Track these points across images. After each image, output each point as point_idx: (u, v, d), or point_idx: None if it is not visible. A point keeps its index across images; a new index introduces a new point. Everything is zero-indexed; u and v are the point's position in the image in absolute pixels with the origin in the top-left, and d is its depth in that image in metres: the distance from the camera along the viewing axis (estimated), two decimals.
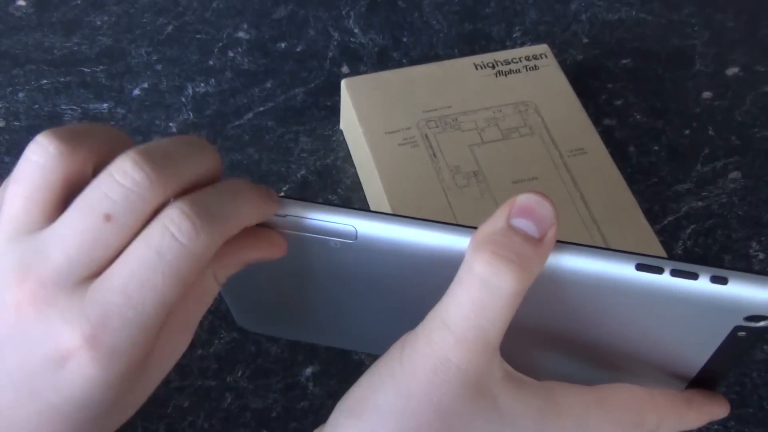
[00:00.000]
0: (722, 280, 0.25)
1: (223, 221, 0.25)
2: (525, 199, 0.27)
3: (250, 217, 0.27)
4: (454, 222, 0.28)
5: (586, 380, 0.34)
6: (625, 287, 0.26)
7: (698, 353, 0.30)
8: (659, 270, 0.26)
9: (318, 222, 0.28)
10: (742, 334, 0.27)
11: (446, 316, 0.26)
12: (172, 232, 0.24)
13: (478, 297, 0.26)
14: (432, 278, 0.28)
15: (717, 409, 0.32)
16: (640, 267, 0.26)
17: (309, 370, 0.45)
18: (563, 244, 0.27)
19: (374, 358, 0.46)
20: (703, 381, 0.31)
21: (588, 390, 0.29)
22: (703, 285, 0.26)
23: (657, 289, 0.26)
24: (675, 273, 0.26)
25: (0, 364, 0.25)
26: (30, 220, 0.25)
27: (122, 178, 0.24)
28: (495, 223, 0.27)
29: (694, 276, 0.26)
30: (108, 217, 0.24)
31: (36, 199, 0.25)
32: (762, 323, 0.26)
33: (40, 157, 0.25)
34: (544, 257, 0.26)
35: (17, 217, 0.25)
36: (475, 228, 0.27)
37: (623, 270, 0.26)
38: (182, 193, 0.26)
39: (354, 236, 0.28)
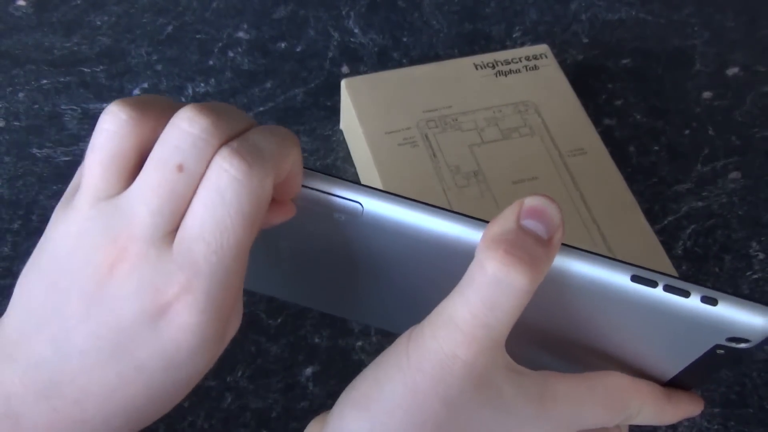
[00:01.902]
0: (712, 301, 0.26)
1: (273, 159, 0.26)
2: (534, 200, 0.27)
3: (296, 163, 0.27)
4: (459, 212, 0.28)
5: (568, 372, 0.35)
6: (619, 296, 0.27)
7: (675, 362, 0.31)
8: (653, 284, 0.27)
9: (325, 194, 0.28)
10: (720, 351, 0.28)
11: (454, 312, 0.27)
12: (226, 170, 0.25)
13: (488, 295, 0.26)
14: (434, 263, 0.28)
15: (692, 407, 0.33)
16: (635, 278, 0.27)
17: (309, 370, 0.45)
18: (565, 247, 0.27)
19: (374, 356, 0.46)
20: (675, 386, 0.32)
21: (579, 378, 0.30)
22: (693, 303, 0.27)
23: (649, 301, 0.27)
24: (668, 288, 0.27)
25: (85, 326, 0.26)
26: (108, 186, 0.26)
27: (189, 126, 0.25)
28: (505, 222, 0.27)
29: (686, 294, 0.27)
30: (180, 167, 0.25)
31: (112, 166, 0.26)
32: (742, 345, 0.27)
33: (113, 125, 0.26)
34: (552, 258, 0.27)
35: (96, 184, 0.26)
36: (479, 219, 0.28)
37: (619, 279, 0.27)
38: (238, 134, 0.26)
39: (360, 213, 0.28)
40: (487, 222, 0.28)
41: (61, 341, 0.26)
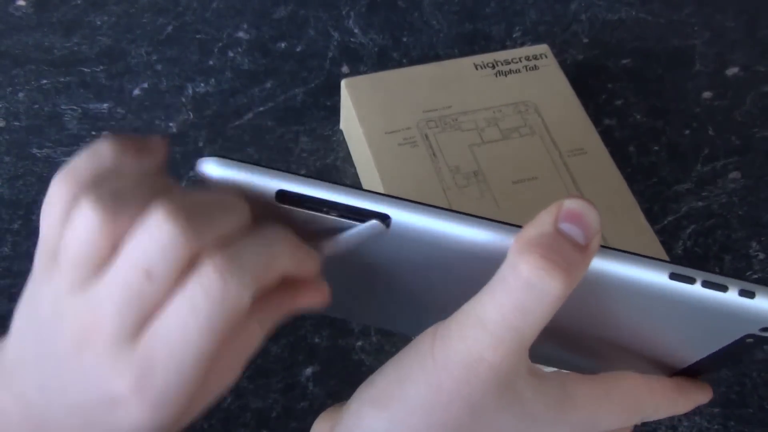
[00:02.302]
0: (750, 294, 0.27)
1: (256, 274, 0.25)
2: (573, 204, 0.27)
3: (287, 268, 0.27)
4: (484, 216, 0.28)
5: (583, 365, 0.35)
6: (656, 293, 0.27)
7: (700, 349, 0.31)
8: (692, 280, 0.27)
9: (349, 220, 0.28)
10: (750, 340, 0.28)
11: (484, 314, 0.26)
12: (204, 288, 0.25)
13: (520, 299, 0.25)
14: (460, 267, 0.28)
15: (702, 396, 0.33)
16: (673, 276, 0.27)
17: (309, 370, 0.45)
18: (602, 248, 0.27)
19: (374, 356, 0.46)
20: (691, 370, 0.33)
21: (596, 381, 0.30)
22: (731, 297, 0.27)
23: (687, 298, 0.27)
24: (706, 284, 0.27)
25: (64, 397, 0.27)
26: (83, 277, 0.26)
27: (158, 232, 0.25)
28: (542, 225, 0.26)
29: (724, 288, 0.27)
30: (148, 274, 0.25)
31: (87, 263, 0.26)
32: None
33: (85, 228, 0.25)
34: (588, 264, 0.26)
35: (71, 274, 0.26)
36: (510, 225, 0.27)
37: (657, 278, 0.27)
38: (218, 240, 0.26)
39: (387, 225, 0.28)
40: (515, 226, 0.27)
41: (47, 392, 0.27)
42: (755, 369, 0.47)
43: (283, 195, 0.27)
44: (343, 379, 0.45)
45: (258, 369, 0.45)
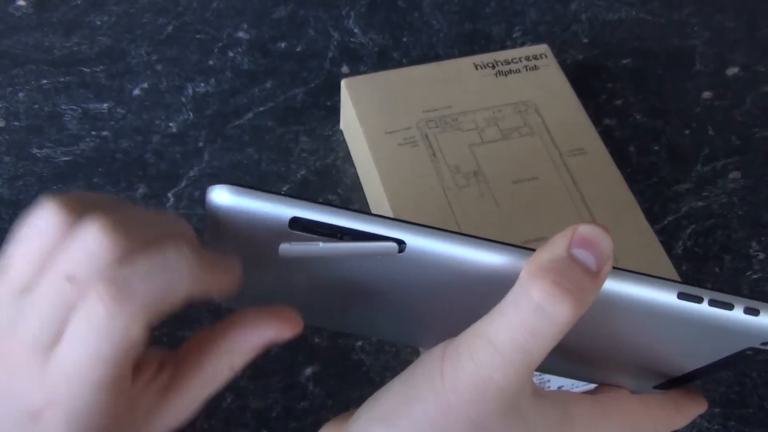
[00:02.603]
0: (755, 312, 0.27)
1: (148, 303, 0.25)
2: (587, 230, 0.27)
3: (190, 292, 0.26)
4: (491, 239, 0.28)
5: (569, 372, 0.35)
6: (663, 313, 0.28)
7: (697, 361, 0.31)
8: (699, 299, 0.27)
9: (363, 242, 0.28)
10: (749, 352, 0.29)
11: (494, 336, 0.26)
12: (89, 320, 0.24)
13: (531, 323, 0.26)
14: (472, 290, 0.28)
15: (698, 408, 0.34)
16: (681, 296, 0.27)
17: (309, 370, 0.45)
18: (613, 270, 0.28)
19: (374, 356, 0.46)
20: (682, 379, 0.33)
21: (593, 401, 0.31)
22: (736, 315, 0.28)
23: (693, 316, 0.28)
24: (713, 303, 0.28)
25: None
26: (26, 280, 0.26)
27: (85, 238, 0.25)
28: (555, 250, 0.27)
29: (730, 306, 0.28)
30: (74, 279, 0.25)
31: (34, 263, 0.26)
32: None
33: (44, 225, 0.26)
34: (599, 289, 0.27)
35: (14, 276, 0.26)
36: (522, 247, 0.27)
37: (665, 298, 0.27)
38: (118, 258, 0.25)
39: (402, 250, 0.28)
40: (527, 249, 0.27)
41: None
42: (755, 369, 0.47)
43: (296, 222, 0.27)
44: (343, 379, 0.45)
45: (258, 369, 0.45)
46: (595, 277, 0.26)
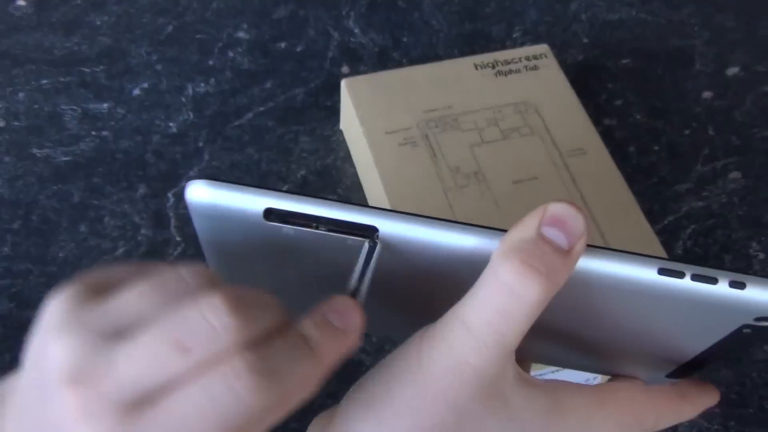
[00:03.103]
0: (740, 285, 0.27)
1: (285, 382, 0.25)
2: (558, 208, 0.27)
3: (321, 374, 0.26)
4: (467, 222, 0.28)
5: (580, 364, 0.35)
6: (645, 290, 0.27)
7: (697, 343, 0.31)
8: (681, 274, 0.27)
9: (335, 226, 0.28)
10: (747, 331, 0.28)
11: (467, 319, 0.26)
12: (232, 386, 0.23)
13: (502, 304, 0.26)
14: (450, 275, 0.28)
15: (708, 399, 0.33)
16: (662, 271, 0.27)
17: None
18: (591, 247, 0.27)
19: (374, 356, 0.46)
20: (692, 365, 0.33)
21: (589, 391, 0.30)
22: (721, 289, 0.27)
23: (677, 292, 0.27)
24: (695, 278, 0.27)
25: None
26: (124, 326, 0.25)
27: (213, 317, 0.24)
28: (525, 230, 0.26)
29: (713, 280, 0.27)
30: (186, 350, 0.23)
31: (141, 311, 0.25)
32: None
33: (190, 278, 0.25)
34: (571, 268, 0.26)
35: (128, 314, 0.25)
36: (497, 229, 0.27)
37: (646, 274, 0.27)
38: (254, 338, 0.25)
39: (375, 238, 0.28)
40: (501, 230, 0.27)
41: None
42: (755, 369, 0.47)
43: (270, 213, 0.27)
44: (343, 380, 0.45)
45: None
46: (567, 255, 0.26)
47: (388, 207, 0.46)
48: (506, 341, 0.26)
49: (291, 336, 0.25)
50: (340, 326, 0.27)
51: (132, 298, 0.25)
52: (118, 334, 0.24)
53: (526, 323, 0.26)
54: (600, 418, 0.30)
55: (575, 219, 0.26)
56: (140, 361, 0.24)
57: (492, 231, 0.27)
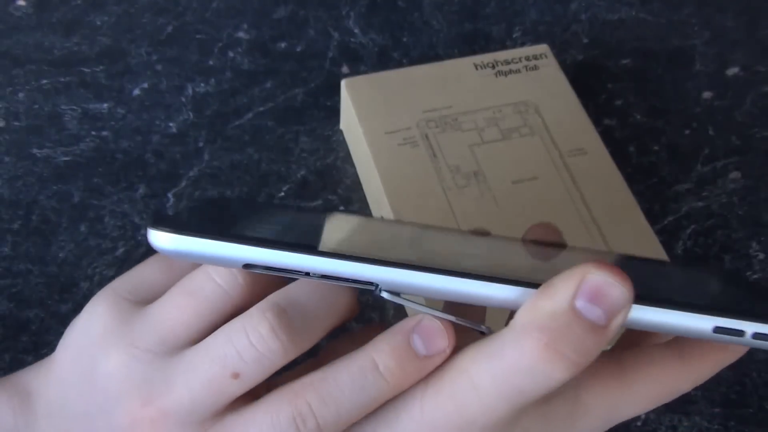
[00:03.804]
0: None
1: (350, 415, 0.26)
2: (597, 278, 0.23)
3: (384, 399, 0.26)
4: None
5: None
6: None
7: None
8: (740, 333, 0.24)
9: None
10: None
11: (477, 377, 0.24)
12: (300, 428, 0.25)
13: (519, 380, 0.24)
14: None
15: (724, 356, 0.29)
16: (718, 330, 0.24)
17: None
18: (640, 304, 0.24)
19: None
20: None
21: (613, 377, 0.27)
22: None
23: (735, 348, 0.26)
24: (758, 336, 0.24)
25: None
26: (181, 337, 0.26)
27: (258, 342, 0.24)
28: (556, 300, 0.23)
29: None
30: (236, 375, 0.25)
31: (204, 319, 0.26)
32: None
33: (226, 285, 0.26)
34: (604, 344, 0.23)
35: (174, 327, 0.26)
36: (520, 282, 0.24)
37: (699, 333, 0.24)
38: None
39: (377, 290, 0.25)
40: (522, 283, 0.24)
41: None
42: (755, 369, 0.47)
43: (251, 266, 0.25)
44: None
45: None
46: (601, 332, 0.23)
47: (389, 207, 0.46)
48: (519, 407, 0.25)
49: (359, 363, 0.26)
50: (423, 353, 0.25)
51: (173, 312, 0.26)
52: (169, 353, 0.25)
53: (542, 395, 0.24)
54: (627, 400, 0.27)
55: (616, 291, 0.23)
56: (197, 384, 0.25)
57: (515, 287, 0.24)
